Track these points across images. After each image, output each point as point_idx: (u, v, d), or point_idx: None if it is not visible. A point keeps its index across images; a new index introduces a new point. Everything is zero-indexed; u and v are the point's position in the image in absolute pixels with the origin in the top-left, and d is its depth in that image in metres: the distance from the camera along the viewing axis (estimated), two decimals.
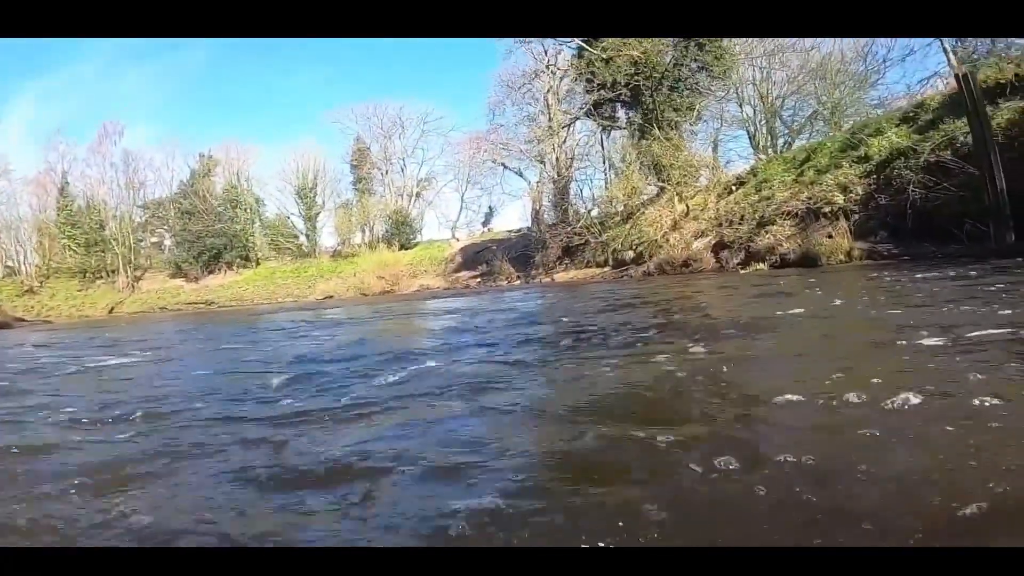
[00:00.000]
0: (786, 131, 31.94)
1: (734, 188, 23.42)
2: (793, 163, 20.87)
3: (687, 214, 25.01)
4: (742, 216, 20.86)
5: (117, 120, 49.54)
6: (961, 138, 14.03)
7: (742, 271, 16.51)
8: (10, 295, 44.59)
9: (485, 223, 45.78)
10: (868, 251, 14.22)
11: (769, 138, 31.66)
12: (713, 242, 22.13)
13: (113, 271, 45.23)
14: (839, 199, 16.59)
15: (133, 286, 44.97)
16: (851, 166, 17.28)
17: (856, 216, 15.06)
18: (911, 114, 17.22)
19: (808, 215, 17.33)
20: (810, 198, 17.74)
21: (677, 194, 25.99)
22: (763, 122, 32.13)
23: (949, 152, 13.93)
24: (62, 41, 56.16)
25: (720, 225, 22.03)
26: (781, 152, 27.72)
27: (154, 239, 49.32)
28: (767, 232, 18.29)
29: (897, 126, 17.15)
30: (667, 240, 24.48)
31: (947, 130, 14.62)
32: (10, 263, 49.49)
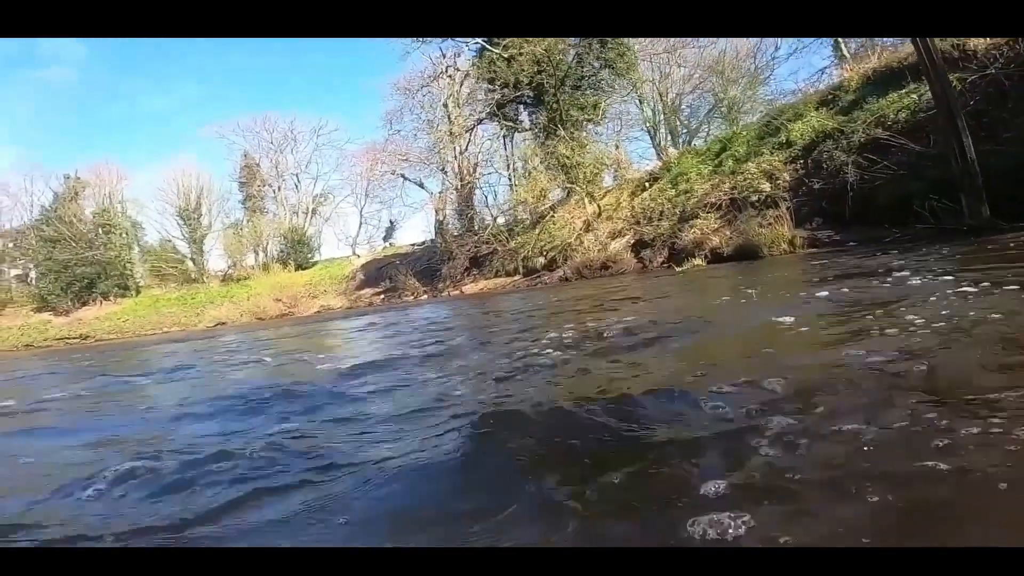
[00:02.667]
0: (685, 131, 31.30)
1: (647, 185, 22.16)
2: (708, 155, 19.80)
3: (599, 214, 23.59)
4: (661, 212, 19.56)
5: None
6: (891, 115, 13.03)
7: (678, 269, 14.93)
8: None
9: (386, 237, 43.43)
10: (809, 239, 12.95)
11: (669, 137, 30.89)
12: (632, 241, 20.73)
13: None
14: (765, 187, 15.43)
15: None
16: (772, 152, 16.20)
17: (786, 203, 13.80)
18: (830, 96, 16.30)
19: (734, 206, 16.08)
20: (733, 188, 16.55)
21: (588, 194, 24.52)
22: (663, 121, 31.34)
23: (881, 130, 12.85)
24: None
25: (638, 223, 20.67)
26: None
27: (16, 271, 43.85)
28: (691, 227, 16.93)
29: (816, 109, 16.20)
30: (581, 243, 22.94)
31: (875, 108, 13.63)
32: None
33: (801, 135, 15.55)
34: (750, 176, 16.10)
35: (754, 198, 15.48)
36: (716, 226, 16.24)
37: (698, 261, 14.91)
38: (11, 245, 43.03)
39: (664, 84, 30.78)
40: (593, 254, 21.91)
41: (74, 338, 36.52)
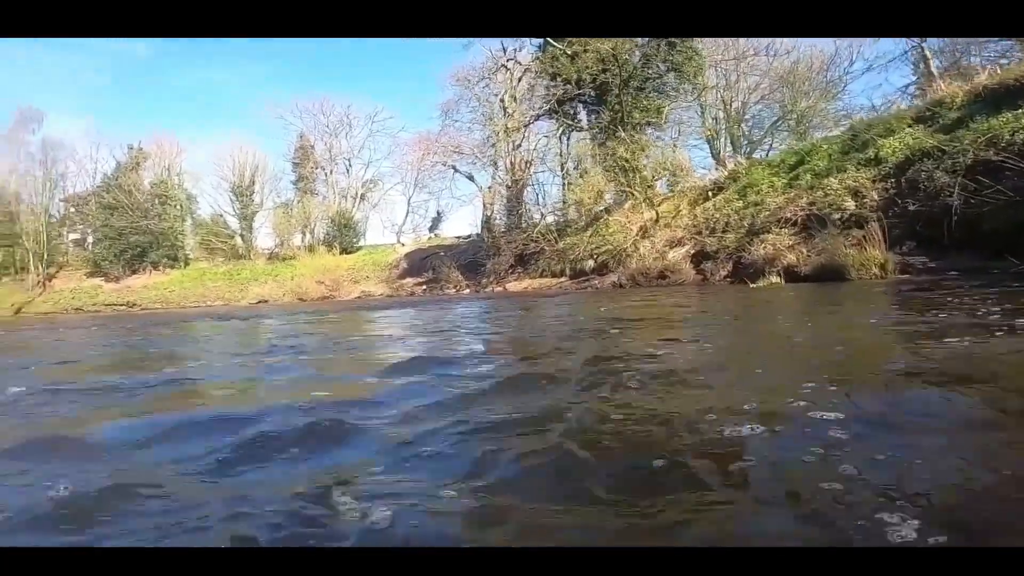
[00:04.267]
0: (746, 142, 29.75)
1: (711, 194, 20.79)
2: (782, 167, 18.35)
3: (657, 221, 22.29)
4: (726, 224, 18.20)
5: (35, 107, 44.31)
6: (1007, 136, 11.56)
7: (752, 285, 13.61)
8: None
9: (432, 228, 42.48)
10: (901, 264, 11.55)
11: (731, 147, 29.39)
12: (692, 252, 19.43)
13: (23, 268, 39.96)
14: (850, 204, 14.01)
15: (45, 285, 39.82)
16: (858, 169, 14.75)
17: (873, 223, 12.38)
18: (928, 113, 14.80)
19: (811, 223, 14.70)
20: (812, 204, 15.13)
21: (647, 199, 23.24)
22: (724, 130, 29.84)
23: (993, 151, 11.38)
24: None
25: (699, 233, 19.34)
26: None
27: (75, 235, 44.15)
28: (762, 241, 15.57)
29: (911, 126, 14.72)
30: (636, 249, 21.69)
31: (985, 128, 12.16)
32: None
33: (893, 152, 14.09)
34: (832, 192, 14.68)
35: (836, 216, 14.07)
36: (790, 242, 14.85)
37: (775, 279, 13.56)
38: (72, 210, 43.27)
39: (729, 92, 29.32)
40: (649, 261, 20.67)
41: (121, 305, 36.59)
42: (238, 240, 42.22)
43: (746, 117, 29.26)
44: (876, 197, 13.53)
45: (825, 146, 17.26)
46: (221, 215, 43.10)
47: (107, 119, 78.56)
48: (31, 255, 39.73)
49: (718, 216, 18.98)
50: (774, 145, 28.01)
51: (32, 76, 62.87)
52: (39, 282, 39.66)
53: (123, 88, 66.00)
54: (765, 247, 15.36)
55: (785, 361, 3.72)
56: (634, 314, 8.45)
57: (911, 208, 12.31)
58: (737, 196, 18.87)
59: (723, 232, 18.18)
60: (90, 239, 42.64)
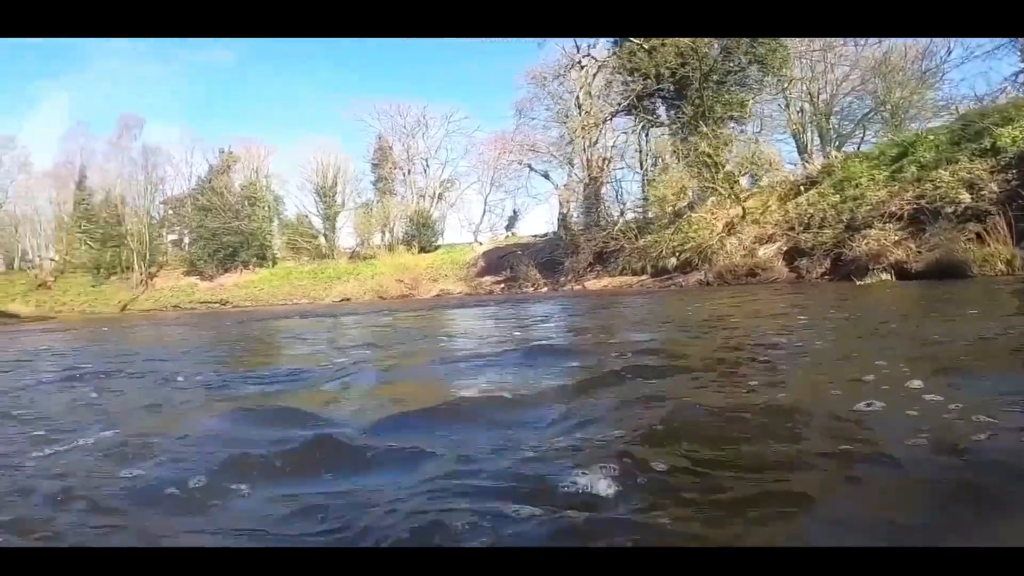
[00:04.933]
0: (836, 135, 28.27)
1: (803, 189, 19.84)
2: (882, 160, 17.28)
3: (744, 217, 21.46)
4: (822, 219, 17.30)
5: (136, 113, 46.51)
6: None
7: (858, 282, 12.81)
8: (23, 289, 41.87)
9: (509, 227, 42.31)
10: None
11: (819, 141, 28.02)
12: (784, 248, 18.60)
13: (128, 267, 42.02)
14: (965, 197, 13.03)
15: (147, 283, 41.80)
16: (973, 160, 13.70)
17: (996, 217, 11.44)
18: None
19: (920, 217, 13.77)
20: (920, 197, 14.17)
21: (733, 195, 22.42)
22: (811, 124, 28.49)
23: None
24: (89, 40, 53.71)
25: (792, 229, 18.49)
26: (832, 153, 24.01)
27: (173, 236, 46.19)
28: (863, 237, 14.69)
29: None
30: (723, 246, 20.94)
31: None
32: (29, 258, 46.70)
33: (1014, 141, 13.03)
34: (943, 185, 13.69)
35: (949, 209, 13.12)
36: (897, 238, 13.95)
37: (884, 276, 12.73)
38: (170, 212, 45.26)
39: (816, 84, 27.98)
40: (737, 259, 19.93)
41: (215, 302, 38.05)
42: (322, 240, 43.18)
43: (835, 109, 27.80)
44: (996, 189, 12.52)
45: (931, 137, 16.14)
46: (306, 215, 44.20)
47: (199, 125, 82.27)
48: (135, 255, 41.73)
49: (812, 211, 18.07)
50: (866, 138, 26.52)
51: (132, 86, 66.31)
52: (142, 280, 41.63)
53: (213, 96, 68.69)
54: (868, 243, 14.49)
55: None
56: (737, 310, 7.94)
57: None
58: (833, 190, 17.92)
59: (819, 228, 17.30)
60: (187, 239, 44.52)
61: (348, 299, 34.82)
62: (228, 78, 69.70)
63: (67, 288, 42.15)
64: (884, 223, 14.66)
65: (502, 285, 32.25)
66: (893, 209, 14.69)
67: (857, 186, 16.85)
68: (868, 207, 15.60)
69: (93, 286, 41.93)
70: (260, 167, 43.39)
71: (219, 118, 69.99)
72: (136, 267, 41.77)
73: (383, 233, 42.17)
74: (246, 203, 41.54)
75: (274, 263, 42.01)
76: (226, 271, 41.30)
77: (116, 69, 68.41)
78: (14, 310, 35.22)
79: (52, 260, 45.02)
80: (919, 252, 12.90)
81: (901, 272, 12.73)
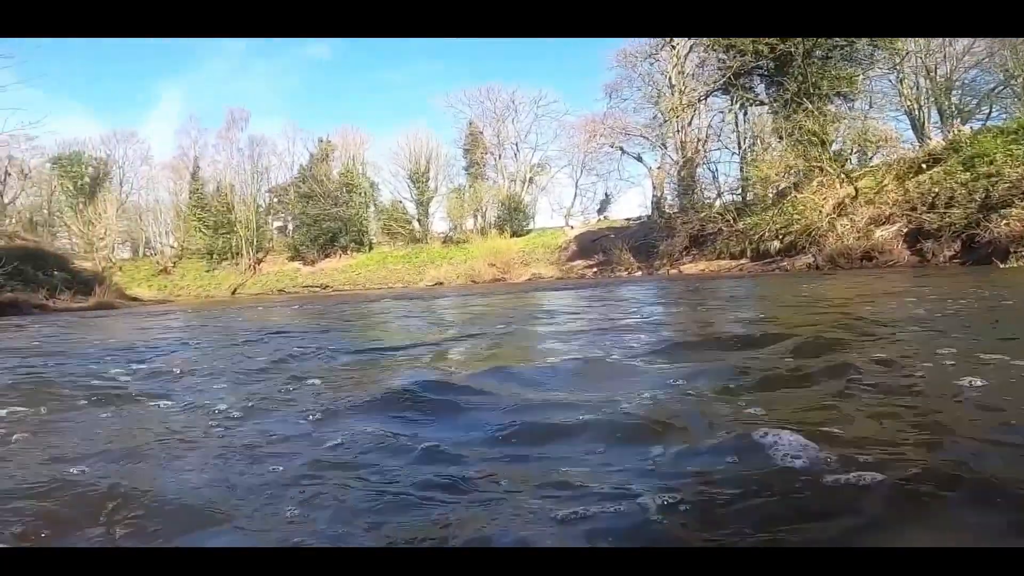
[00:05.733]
0: (956, 112, 25.93)
1: (924, 167, 18.33)
2: (1022, 134, 15.69)
3: (856, 197, 20.09)
4: (950, 199, 15.90)
5: (243, 107, 48.39)
6: None
7: (1002, 265, 11.66)
8: (147, 274, 44.55)
9: (601, 210, 41.57)
10: None
11: (938, 119, 25.82)
12: (905, 230, 17.27)
13: (237, 253, 43.99)
14: None
15: (255, 268, 43.63)
16: None
17: None
18: None
19: None
20: None
21: (844, 174, 21.01)
22: (930, 100, 26.27)
23: None
24: (201, 41, 56.53)
25: (913, 210, 17.12)
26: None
27: (278, 223, 48.03)
28: (1003, 217, 13.38)
29: None
30: (833, 227, 19.68)
31: None
32: (152, 245, 49.69)
33: None
34: None
35: None
36: None
37: None
38: (275, 200, 47.02)
39: (933, 57, 25.78)
40: (850, 241, 18.68)
41: (316, 286, 39.26)
42: (415, 224, 43.83)
43: (956, 84, 25.52)
44: None
45: None
46: (400, 201, 44.89)
47: (300, 117, 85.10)
48: (243, 241, 43.59)
49: (937, 190, 16.66)
50: (993, 115, 24.24)
51: (240, 82, 69.17)
52: (250, 266, 43.49)
53: (312, 89, 70.80)
54: (1009, 223, 13.19)
55: None
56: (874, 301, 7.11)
57: None
58: (962, 167, 16.43)
59: (946, 208, 15.91)
60: (290, 226, 46.14)
61: (441, 283, 35.19)
62: (325, 72, 71.55)
63: (184, 273, 44.56)
64: None
65: (594, 269, 31.76)
66: None
67: (992, 163, 15.37)
68: (1007, 184, 14.19)
69: (207, 271, 44.15)
70: (356, 155, 44.39)
71: (318, 110, 72.15)
72: (244, 253, 43.62)
73: (475, 217, 42.36)
74: (344, 190, 42.60)
75: (371, 248, 42.94)
76: (326, 256, 42.57)
77: (225, 67, 71.46)
78: (138, 294, 37.67)
79: (171, 247, 47.64)
80: None
81: None
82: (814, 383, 2.74)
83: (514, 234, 39.80)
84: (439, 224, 44.27)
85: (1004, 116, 21.44)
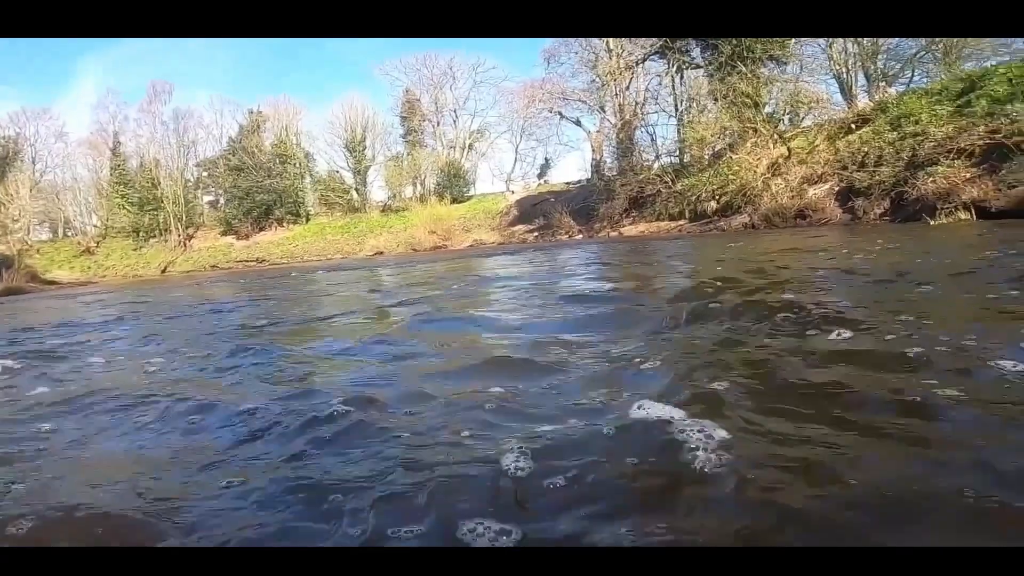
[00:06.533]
0: (881, 75, 26.58)
1: (854, 127, 18.81)
2: (944, 95, 16.21)
3: (789, 157, 20.51)
4: (878, 157, 16.38)
5: (165, 80, 45.48)
6: None
7: (932, 222, 12.05)
8: (68, 256, 42.02)
9: (541, 175, 41.43)
10: None
11: (865, 82, 26.42)
12: (836, 189, 17.74)
13: (166, 230, 41.84)
14: None
15: (185, 244, 41.65)
16: None
17: None
18: None
19: (993, 153, 12.89)
20: (994, 132, 13.24)
21: (777, 135, 21.39)
22: (857, 64, 26.81)
23: None
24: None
25: (844, 168, 17.58)
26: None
27: (209, 197, 45.84)
28: (929, 175, 13.84)
29: None
30: (767, 187, 20.06)
31: None
32: (74, 225, 46.79)
33: None
34: (1022, 118, 12.76)
35: None
36: (968, 175, 13.11)
37: (962, 215, 11.93)
38: (205, 173, 44.83)
39: None
40: (784, 200, 19.11)
41: (251, 261, 37.86)
42: (353, 194, 42.60)
43: (882, 49, 26.09)
44: None
45: (1002, 70, 15.02)
46: (337, 171, 43.49)
47: (228, 89, 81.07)
48: (172, 217, 41.47)
49: (867, 149, 17.13)
50: (915, 78, 24.96)
51: (162, 54, 65.26)
52: (180, 242, 41.47)
53: (240, 61, 67.69)
54: (936, 181, 13.65)
55: None
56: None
57: None
58: (889, 127, 16.92)
59: (875, 166, 16.39)
60: (222, 200, 44.13)
61: (381, 252, 34.44)
62: (256, 43, 68.35)
63: (109, 252, 42.18)
64: (952, 159, 13.77)
65: (535, 233, 31.62)
66: (962, 145, 13.77)
67: (917, 122, 15.86)
68: (933, 143, 14.67)
69: (134, 250, 41.90)
70: (289, 125, 42.57)
71: (249, 82, 69.06)
72: (174, 229, 41.52)
73: (414, 185, 41.44)
74: (277, 161, 40.91)
75: (307, 219, 41.57)
76: (261, 229, 41.01)
77: (149, 41, 67.21)
78: (56, 276, 35.49)
79: (94, 226, 44.95)
80: (998, 189, 12.07)
81: (981, 211, 11.94)
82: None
83: (454, 201, 39.18)
84: (377, 193, 43.20)
85: (926, 79, 22.12)
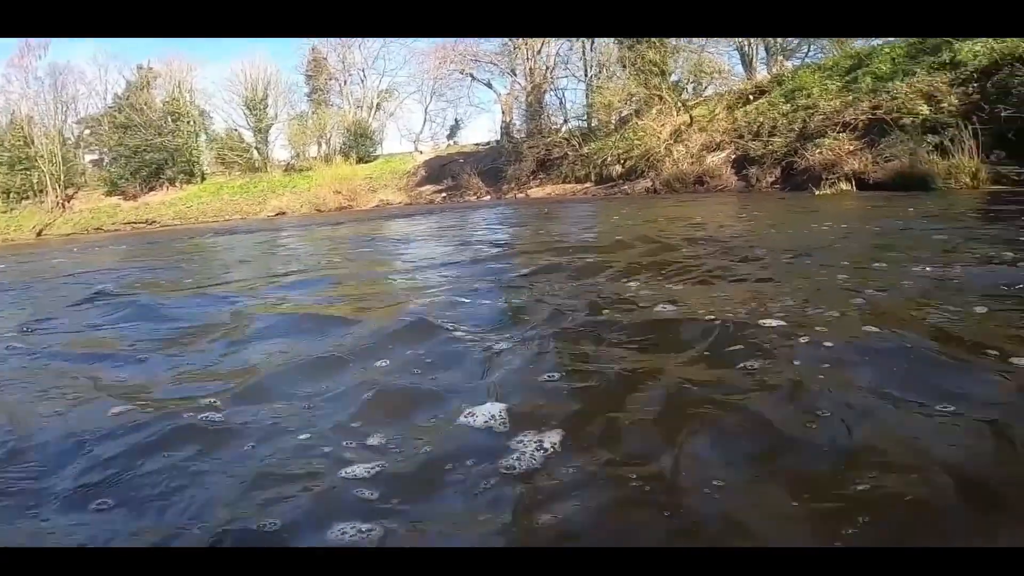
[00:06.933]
0: (780, 49, 27.64)
1: (751, 98, 19.58)
2: (835, 71, 17.10)
3: (691, 124, 21.16)
4: (772, 128, 17.16)
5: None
6: None
7: (817, 192, 12.76)
8: None
9: (451, 136, 40.82)
10: (992, 174, 10.76)
11: (764, 55, 27.42)
12: (733, 157, 18.49)
13: (42, 191, 38.35)
14: (923, 109, 13.04)
15: (64, 205, 38.33)
16: (931, 73, 13.65)
17: (963, 129, 11.38)
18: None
19: (875, 128, 13.78)
20: (876, 108, 14.14)
21: (680, 103, 21.97)
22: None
23: None
24: None
25: (741, 137, 18.34)
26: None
27: (92, 156, 42.21)
28: (817, 146, 14.66)
29: None
30: (670, 153, 20.65)
31: None
32: None
33: (975, 56, 12.95)
34: (901, 96, 13.67)
35: (906, 121, 13.13)
36: (852, 148, 13.99)
37: (844, 185, 12.71)
38: (87, 132, 41.20)
39: None
40: (684, 166, 19.76)
41: (140, 222, 35.40)
42: (254, 153, 40.44)
43: None
44: (955, 103, 12.55)
45: (887, 49, 15.97)
46: (236, 130, 41.03)
47: (116, 45, 74.18)
48: (48, 177, 38.03)
49: (762, 120, 17.92)
50: (810, 53, 26.10)
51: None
52: (58, 203, 38.12)
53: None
54: (822, 152, 14.48)
55: None
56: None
57: (1002, 115, 11.34)
58: (784, 99, 17.74)
59: (769, 136, 17.19)
60: (107, 159, 40.81)
61: (284, 213, 33.18)
62: None
63: None
64: (838, 133, 14.63)
65: (443, 194, 31.38)
66: (848, 119, 14.64)
67: (809, 96, 16.71)
68: (822, 116, 15.52)
69: (3, 212, 38.19)
70: (183, 82, 39.62)
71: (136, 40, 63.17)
72: (51, 189, 38.07)
73: (319, 145, 39.84)
74: (169, 119, 38.11)
75: (203, 179, 39.19)
76: (151, 190, 38.27)
77: None
78: None
79: None
80: (875, 162, 12.94)
81: (860, 183, 12.77)
82: None
83: (360, 160, 37.99)
84: (280, 152, 41.21)
85: (820, 55, 23.19)
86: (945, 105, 12.67)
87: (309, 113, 40.23)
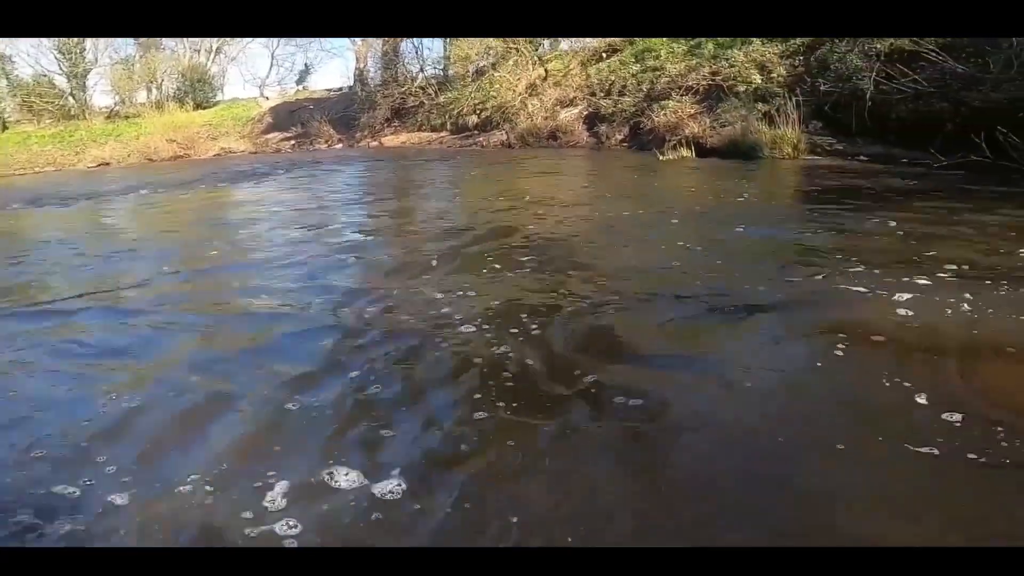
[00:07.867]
0: None
1: (604, 56, 19.79)
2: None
3: (546, 79, 21.14)
4: (623, 87, 17.50)
5: None
6: None
7: (662, 158, 13.03)
8: None
9: (300, 81, 38.08)
10: (809, 144, 11.64)
11: None
12: (585, 113, 18.73)
13: None
14: (756, 78, 13.78)
15: None
16: (765, 44, 14.36)
17: (787, 100, 12.15)
18: None
19: (713, 93, 14.44)
20: (715, 74, 14.77)
21: (536, 57, 21.81)
22: None
23: (909, 40, 11.05)
24: None
25: (593, 95, 18.57)
26: None
27: None
28: (661, 108, 15.15)
29: None
30: (524, 106, 20.58)
31: None
32: None
33: None
34: (737, 64, 14.33)
35: (741, 88, 13.84)
36: (692, 111, 14.57)
37: (684, 152, 13.19)
38: None
39: None
40: (539, 120, 19.78)
41: None
42: (69, 100, 35.54)
43: None
44: (784, 74, 13.37)
45: None
46: (45, 75, 35.59)
47: None
48: None
49: (613, 79, 18.17)
50: None
51: None
52: None
53: None
54: (666, 114, 14.96)
55: None
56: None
57: (821, 88, 12.22)
58: (634, 59, 18.07)
59: (619, 95, 17.52)
60: None
61: (107, 163, 29.68)
62: None
63: None
64: (681, 96, 15.18)
65: (292, 142, 29.51)
66: (690, 84, 15.20)
67: (657, 58, 17.12)
68: (667, 79, 15.99)
69: None
70: None
71: None
72: None
73: (149, 90, 35.71)
74: None
75: (4, 128, 34.11)
76: None
77: None
78: None
79: None
80: (712, 127, 13.57)
81: (699, 148, 13.30)
82: None
83: (198, 107, 34.64)
84: (101, 98, 36.50)
85: None
86: (775, 76, 13.44)
87: (136, 57, 35.81)
